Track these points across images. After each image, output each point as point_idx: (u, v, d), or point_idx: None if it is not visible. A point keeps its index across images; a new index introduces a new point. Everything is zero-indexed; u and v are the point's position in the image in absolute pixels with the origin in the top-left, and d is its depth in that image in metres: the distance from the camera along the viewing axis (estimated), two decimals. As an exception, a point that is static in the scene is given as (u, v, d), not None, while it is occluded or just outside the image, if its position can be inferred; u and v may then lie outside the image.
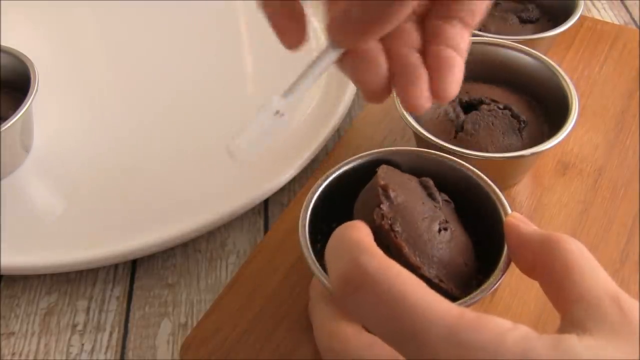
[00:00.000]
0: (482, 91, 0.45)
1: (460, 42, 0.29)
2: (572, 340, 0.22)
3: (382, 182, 0.32)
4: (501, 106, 0.43)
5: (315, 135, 0.49)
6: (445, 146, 0.39)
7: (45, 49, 0.61)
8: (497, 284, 0.30)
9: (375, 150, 0.37)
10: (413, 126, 0.41)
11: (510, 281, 0.38)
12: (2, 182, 0.48)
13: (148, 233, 0.43)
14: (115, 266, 0.44)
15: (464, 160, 0.37)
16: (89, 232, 0.45)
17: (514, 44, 0.46)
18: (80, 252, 0.42)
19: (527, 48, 0.46)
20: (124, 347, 0.39)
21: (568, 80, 0.43)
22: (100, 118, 0.54)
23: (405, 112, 0.42)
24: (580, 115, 0.43)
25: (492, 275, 0.31)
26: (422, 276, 0.30)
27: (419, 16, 0.29)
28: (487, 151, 0.41)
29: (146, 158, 0.50)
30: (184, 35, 0.62)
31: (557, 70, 0.44)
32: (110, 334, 0.40)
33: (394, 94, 0.43)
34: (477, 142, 0.42)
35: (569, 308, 0.25)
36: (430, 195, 0.34)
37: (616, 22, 0.62)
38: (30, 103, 0.47)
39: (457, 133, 0.42)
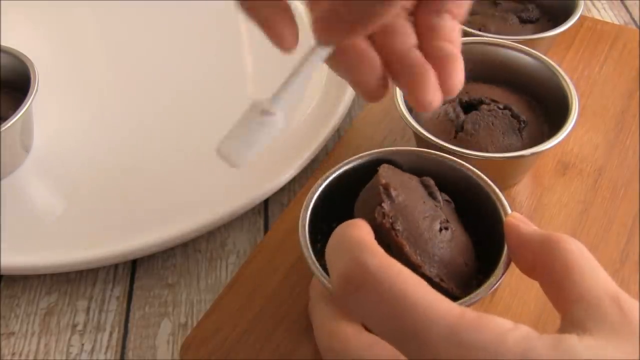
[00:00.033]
0: (482, 91, 0.45)
1: (455, 35, 0.30)
2: (573, 340, 0.22)
3: (383, 181, 0.32)
4: (501, 106, 0.43)
5: (315, 135, 0.49)
6: (445, 146, 0.39)
7: (45, 49, 0.61)
8: (497, 284, 0.30)
9: (375, 150, 0.37)
10: (413, 126, 0.41)
11: (510, 281, 0.38)
12: (2, 182, 0.48)
13: (148, 233, 0.43)
14: (115, 266, 0.44)
15: (464, 160, 0.37)
16: (89, 232, 0.45)
17: (514, 44, 0.46)
18: (80, 252, 0.42)
19: (527, 48, 0.46)
20: (124, 347, 0.39)
21: (568, 80, 0.43)
22: (100, 118, 0.54)
23: (405, 112, 0.42)
24: (580, 115, 0.43)
25: (492, 275, 0.31)
26: (422, 275, 0.30)
27: (409, 12, 0.29)
28: (487, 151, 0.41)
29: (146, 158, 0.50)
30: (184, 35, 0.62)
31: (557, 70, 0.44)
32: (110, 334, 0.40)
33: (396, 94, 0.43)
34: (477, 142, 0.42)
35: (569, 308, 0.25)
36: (431, 195, 0.34)
37: (616, 22, 0.62)
38: (30, 103, 0.47)
39: (457, 133, 0.42)
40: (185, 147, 0.50)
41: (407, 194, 0.33)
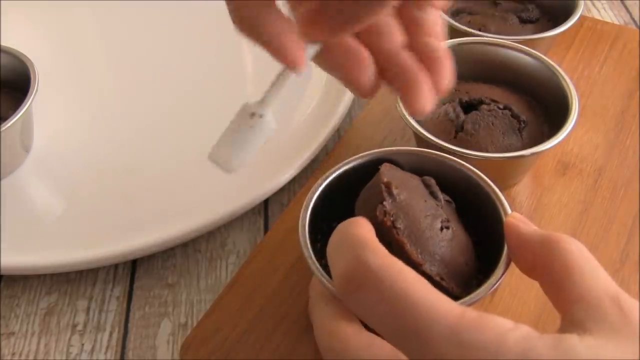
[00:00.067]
0: (482, 91, 0.45)
1: (438, 29, 0.29)
2: (573, 340, 0.22)
3: (385, 179, 0.33)
4: (501, 106, 0.43)
5: (315, 135, 0.49)
6: (445, 146, 0.39)
7: (45, 49, 0.61)
8: (497, 283, 0.30)
9: (376, 150, 0.37)
10: (413, 126, 0.41)
11: (510, 281, 0.38)
12: (2, 182, 0.48)
13: (148, 233, 0.43)
14: (115, 266, 0.44)
15: (464, 160, 0.37)
16: (89, 232, 0.45)
17: (514, 44, 0.46)
18: (80, 252, 0.42)
19: (527, 48, 0.46)
20: (124, 347, 0.39)
21: (568, 80, 0.43)
22: (101, 118, 0.54)
23: (405, 112, 0.42)
24: (580, 115, 0.43)
25: (492, 275, 0.31)
26: (423, 273, 0.30)
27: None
28: (487, 151, 0.41)
29: (146, 158, 0.50)
30: (184, 36, 0.62)
31: (557, 70, 0.44)
32: (110, 334, 0.40)
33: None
34: (477, 142, 0.42)
35: (569, 308, 0.25)
36: (432, 194, 0.34)
37: (616, 22, 0.62)
38: (30, 103, 0.47)
39: (457, 133, 0.42)
40: (185, 147, 0.50)
41: (408, 193, 0.33)
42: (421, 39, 0.29)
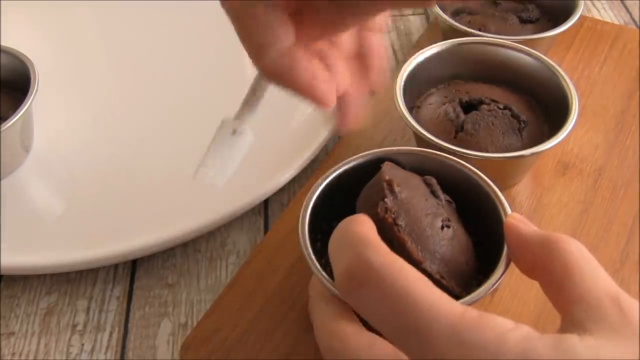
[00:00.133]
0: (482, 91, 0.45)
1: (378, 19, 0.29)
2: (573, 340, 0.22)
3: (386, 177, 0.33)
4: (501, 106, 0.43)
5: (315, 135, 0.49)
6: (445, 146, 0.39)
7: (45, 49, 0.61)
8: (497, 283, 0.30)
9: (375, 150, 0.37)
10: (413, 126, 0.41)
11: (510, 281, 0.38)
12: (2, 182, 0.48)
13: (148, 233, 0.43)
14: (115, 266, 0.44)
15: (464, 160, 0.37)
16: (89, 232, 0.45)
17: (514, 44, 0.46)
18: (80, 252, 0.42)
19: (527, 48, 0.46)
20: (124, 347, 0.39)
21: (568, 80, 0.43)
22: (101, 118, 0.54)
23: (405, 112, 0.42)
24: (580, 115, 0.43)
25: (492, 275, 0.31)
26: (423, 271, 0.30)
27: None
28: (487, 151, 0.41)
29: (146, 158, 0.50)
30: (184, 36, 0.62)
31: (557, 70, 0.44)
32: (110, 334, 0.40)
33: (396, 94, 0.43)
34: (477, 142, 0.42)
35: (570, 309, 0.25)
36: (433, 193, 0.34)
37: (616, 22, 0.62)
38: (30, 103, 0.47)
39: (457, 133, 0.42)
40: (185, 147, 0.50)
41: (409, 191, 0.33)
42: (364, 32, 0.29)
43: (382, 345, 0.26)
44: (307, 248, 0.32)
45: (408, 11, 0.65)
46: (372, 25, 0.29)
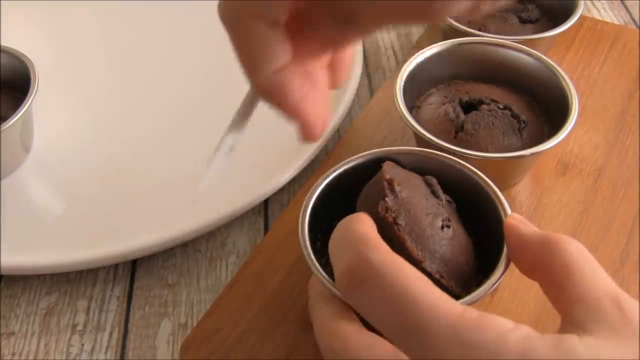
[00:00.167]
0: (482, 91, 0.45)
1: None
2: (573, 341, 0.22)
3: (387, 176, 0.33)
4: (501, 106, 0.43)
5: (315, 135, 0.49)
6: (445, 146, 0.39)
7: (45, 49, 0.61)
8: (497, 283, 0.30)
9: (375, 150, 0.37)
10: (413, 126, 0.41)
11: (510, 281, 0.38)
12: (2, 182, 0.48)
13: (148, 233, 0.43)
14: (115, 266, 0.44)
15: (464, 160, 0.37)
16: (89, 232, 0.45)
17: (514, 44, 0.46)
18: (80, 252, 0.42)
19: (527, 48, 0.46)
20: (124, 347, 0.39)
21: (568, 80, 0.43)
22: (101, 118, 0.54)
23: (405, 112, 0.42)
24: (580, 115, 0.43)
25: (492, 275, 0.31)
26: (423, 270, 0.30)
27: None
28: (487, 151, 0.41)
29: (146, 158, 0.50)
30: (184, 35, 0.62)
31: (557, 70, 0.44)
32: (110, 334, 0.40)
33: (396, 94, 0.43)
34: (477, 142, 0.42)
35: (569, 309, 0.25)
36: (434, 193, 0.34)
37: (616, 22, 0.62)
38: (30, 103, 0.47)
39: (457, 133, 0.42)
40: (185, 147, 0.50)
41: (410, 191, 0.33)
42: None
43: (382, 345, 0.26)
44: (307, 248, 0.32)
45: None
46: None
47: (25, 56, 0.49)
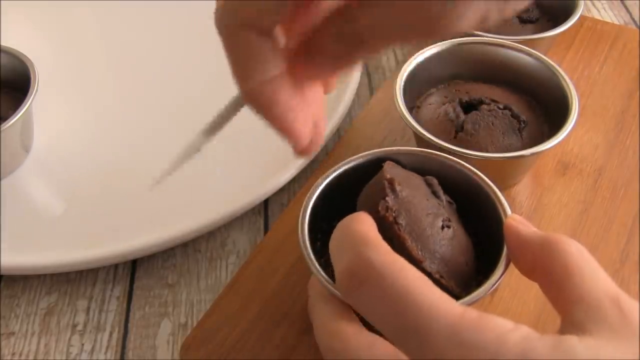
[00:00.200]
0: (482, 91, 0.45)
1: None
2: (573, 341, 0.22)
3: (388, 176, 0.33)
4: (501, 106, 0.43)
5: (315, 135, 0.49)
6: (445, 146, 0.39)
7: (45, 49, 0.61)
8: (497, 284, 0.30)
9: (376, 150, 0.37)
10: (413, 126, 0.41)
11: (510, 281, 0.38)
12: (2, 182, 0.48)
13: (148, 233, 0.43)
14: (115, 266, 0.44)
15: (464, 160, 0.37)
16: (89, 232, 0.45)
17: (514, 44, 0.46)
18: (80, 252, 0.42)
19: (527, 48, 0.46)
20: (124, 347, 0.39)
21: (568, 80, 0.43)
22: (101, 118, 0.54)
23: (405, 112, 0.42)
24: (580, 115, 0.43)
25: (492, 275, 0.31)
26: (423, 270, 0.30)
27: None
28: (487, 151, 0.41)
29: (146, 158, 0.50)
30: (184, 35, 0.62)
31: (557, 70, 0.44)
32: (110, 334, 0.40)
33: (396, 94, 0.43)
34: (477, 142, 0.42)
35: (569, 309, 0.25)
36: (434, 193, 0.34)
37: (616, 22, 0.62)
38: (30, 103, 0.47)
39: (457, 133, 0.42)
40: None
41: (410, 191, 0.33)
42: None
43: (382, 345, 0.26)
44: (306, 248, 0.32)
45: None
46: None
47: (25, 56, 0.49)
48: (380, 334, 0.26)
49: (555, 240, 0.27)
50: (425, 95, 0.47)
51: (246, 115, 0.28)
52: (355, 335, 0.27)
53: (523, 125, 0.43)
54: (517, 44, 0.46)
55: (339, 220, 0.28)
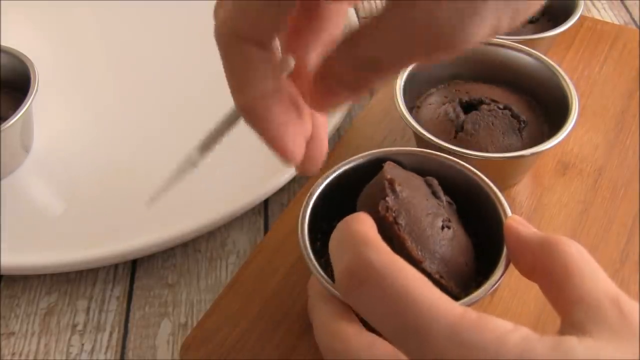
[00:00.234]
0: (482, 91, 0.45)
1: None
2: (572, 342, 0.22)
3: (388, 176, 0.33)
4: (501, 106, 0.43)
5: (316, 135, 0.49)
6: (445, 146, 0.39)
7: (45, 49, 0.61)
8: (497, 284, 0.30)
9: (376, 150, 0.37)
10: (413, 126, 0.41)
11: (510, 281, 0.38)
12: (2, 182, 0.48)
13: (148, 233, 0.43)
14: (115, 266, 0.44)
15: (464, 160, 0.37)
16: (89, 232, 0.45)
17: (514, 44, 0.46)
18: (80, 252, 0.42)
19: (527, 48, 0.46)
20: (124, 347, 0.39)
21: (568, 80, 0.43)
22: (101, 118, 0.54)
23: (405, 112, 0.42)
24: (580, 115, 0.43)
25: (492, 276, 0.31)
26: (423, 270, 0.30)
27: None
28: (487, 151, 0.41)
29: (146, 158, 0.50)
30: (184, 35, 0.62)
31: (557, 70, 0.44)
32: (110, 334, 0.40)
33: (395, 94, 0.43)
34: (477, 142, 0.42)
35: (569, 310, 0.25)
36: (434, 194, 0.34)
37: (616, 22, 0.62)
38: (30, 103, 0.47)
39: (457, 133, 0.42)
40: (185, 147, 0.50)
41: (410, 191, 0.33)
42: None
43: (382, 346, 0.26)
44: (306, 248, 0.32)
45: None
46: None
47: (25, 56, 0.49)
48: (380, 334, 0.26)
49: (555, 241, 0.27)
50: (425, 95, 0.47)
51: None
52: (355, 335, 0.27)
53: (523, 125, 0.43)
54: (517, 44, 0.46)
55: (339, 220, 0.28)
